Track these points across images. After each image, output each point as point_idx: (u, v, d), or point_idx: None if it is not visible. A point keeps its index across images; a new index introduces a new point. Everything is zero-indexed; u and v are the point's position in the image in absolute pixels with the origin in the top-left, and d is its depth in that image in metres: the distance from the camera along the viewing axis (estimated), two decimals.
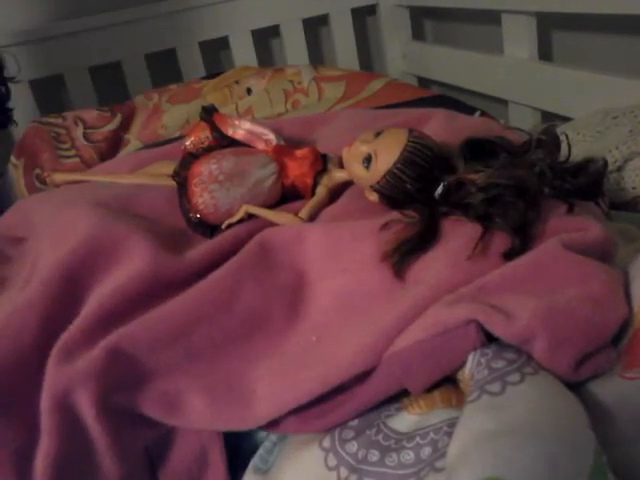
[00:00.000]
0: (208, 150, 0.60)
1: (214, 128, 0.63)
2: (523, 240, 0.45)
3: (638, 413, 0.37)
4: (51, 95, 1.26)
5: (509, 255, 0.45)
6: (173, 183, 0.60)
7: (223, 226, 0.57)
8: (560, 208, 0.48)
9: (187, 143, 0.66)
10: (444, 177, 0.50)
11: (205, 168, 0.57)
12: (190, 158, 0.59)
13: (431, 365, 0.41)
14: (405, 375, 0.41)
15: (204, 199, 0.56)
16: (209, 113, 0.64)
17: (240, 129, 0.63)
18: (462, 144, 0.51)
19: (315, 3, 1.35)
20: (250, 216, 0.57)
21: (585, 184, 0.49)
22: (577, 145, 0.71)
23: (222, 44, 1.33)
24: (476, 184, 0.47)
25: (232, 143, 0.63)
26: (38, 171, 0.94)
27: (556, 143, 0.51)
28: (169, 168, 0.64)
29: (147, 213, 0.58)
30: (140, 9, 1.22)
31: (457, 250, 0.46)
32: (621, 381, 0.39)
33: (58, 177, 0.75)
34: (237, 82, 1.08)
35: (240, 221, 0.57)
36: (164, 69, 1.32)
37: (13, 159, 0.95)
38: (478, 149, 0.51)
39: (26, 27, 1.17)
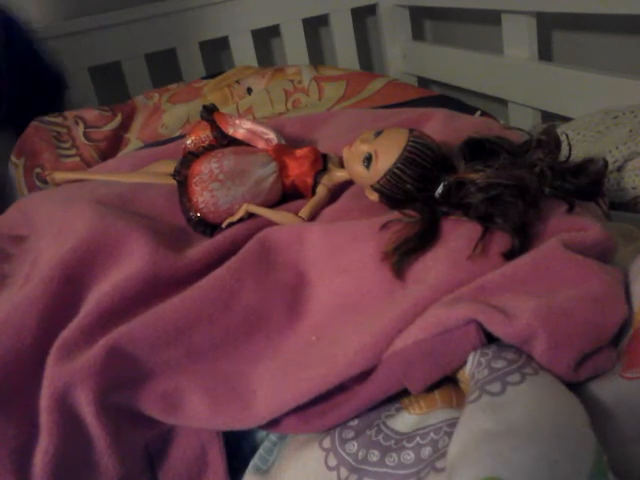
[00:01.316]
0: (209, 149, 0.60)
1: (215, 127, 0.63)
2: (523, 240, 0.45)
3: (638, 413, 0.37)
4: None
5: (509, 255, 0.45)
6: (173, 182, 0.60)
7: (223, 225, 0.57)
8: (560, 208, 0.48)
9: (188, 142, 0.66)
10: (444, 177, 0.50)
11: (206, 167, 0.57)
12: (190, 157, 0.59)
13: (431, 365, 0.40)
14: (405, 375, 0.41)
15: (204, 198, 0.56)
16: (210, 112, 0.64)
17: (241, 128, 0.63)
18: (462, 144, 0.51)
19: (315, 3, 1.35)
20: (250, 215, 0.57)
21: (585, 184, 0.49)
22: (577, 145, 0.71)
23: (222, 44, 1.33)
24: (476, 184, 0.47)
25: (233, 142, 0.63)
26: (39, 170, 0.94)
27: (556, 143, 0.51)
28: (170, 167, 0.64)
29: (147, 212, 0.58)
30: (140, 9, 1.22)
31: (457, 250, 0.46)
32: (621, 381, 0.39)
33: (59, 176, 0.75)
34: (238, 82, 1.08)
35: (240, 220, 0.57)
36: (164, 69, 1.32)
37: (13, 158, 0.95)
38: (478, 149, 0.51)
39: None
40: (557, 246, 0.43)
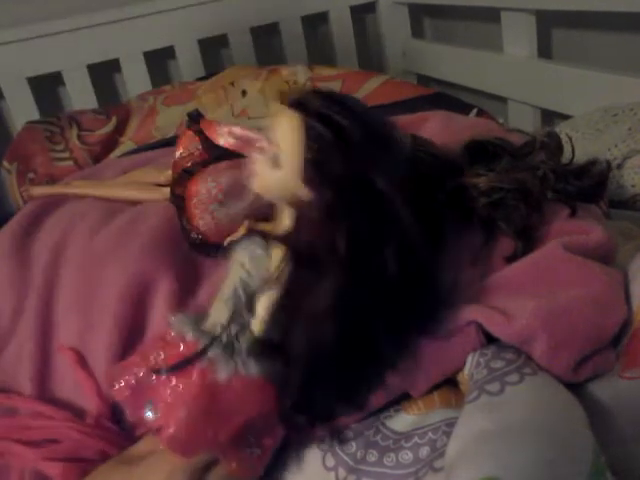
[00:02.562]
0: (203, 165, 0.58)
1: (203, 138, 0.60)
2: (526, 243, 0.45)
3: (636, 413, 0.36)
4: (49, 93, 1.26)
5: (512, 259, 0.45)
6: (161, 194, 0.59)
7: (225, 243, 0.55)
8: (563, 212, 0.48)
9: (177, 155, 0.62)
10: (447, 182, 0.49)
11: (203, 187, 0.55)
12: (185, 175, 0.57)
13: (432, 367, 0.40)
14: (406, 379, 0.41)
15: (205, 221, 0.54)
16: (195, 120, 0.60)
17: (231, 138, 0.60)
18: (463, 147, 0.51)
19: (315, 0, 1.35)
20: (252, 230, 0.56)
21: (588, 186, 0.49)
22: (577, 143, 0.71)
23: (221, 42, 1.33)
24: (479, 188, 0.47)
25: (225, 153, 0.60)
26: (32, 175, 0.92)
27: (558, 145, 0.51)
28: (155, 176, 0.63)
29: (150, 242, 0.54)
30: (138, 7, 1.22)
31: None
32: (620, 381, 0.39)
33: (36, 191, 0.71)
34: (232, 83, 1.08)
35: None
36: (163, 67, 1.31)
37: (6, 164, 0.94)
38: (479, 151, 0.50)
39: (25, 25, 1.17)
40: (557, 248, 0.43)
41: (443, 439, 0.38)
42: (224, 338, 0.39)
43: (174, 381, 0.39)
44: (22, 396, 0.48)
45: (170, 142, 0.81)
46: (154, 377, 0.39)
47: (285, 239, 0.39)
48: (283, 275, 0.39)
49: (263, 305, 0.39)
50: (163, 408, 0.38)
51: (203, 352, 0.39)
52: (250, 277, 0.40)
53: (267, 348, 0.38)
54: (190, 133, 0.61)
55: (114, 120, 1.02)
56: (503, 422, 0.34)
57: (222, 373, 0.38)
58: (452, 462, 0.34)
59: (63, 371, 0.48)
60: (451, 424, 0.38)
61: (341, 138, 0.37)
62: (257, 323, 0.39)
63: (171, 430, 0.37)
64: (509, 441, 0.32)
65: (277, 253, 0.40)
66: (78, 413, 0.47)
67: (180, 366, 0.39)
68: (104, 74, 1.27)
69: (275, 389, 0.39)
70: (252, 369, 0.38)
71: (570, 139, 0.53)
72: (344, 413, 0.40)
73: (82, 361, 0.48)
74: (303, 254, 0.38)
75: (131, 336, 0.47)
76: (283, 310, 0.39)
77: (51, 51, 1.18)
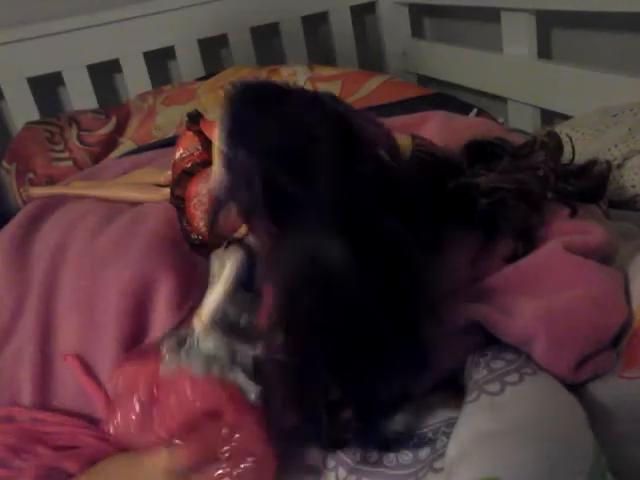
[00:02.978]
0: (202, 165, 0.58)
1: (203, 138, 0.60)
2: (526, 243, 0.45)
3: (636, 412, 0.36)
4: (49, 93, 1.26)
5: (512, 259, 0.45)
6: (160, 194, 0.59)
7: (225, 244, 0.55)
8: (563, 211, 0.48)
9: (176, 156, 0.60)
10: (447, 182, 0.49)
11: (202, 187, 0.55)
12: (185, 177, 0.57)
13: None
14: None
15: (205, 222, 0.55)
16: (195, 120, 0.59)
17: None
18: (463, 147, 0.51)
19: (315, 0, 1.34)
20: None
21: (588, 187, 0.49)
22: (577, 143, 0.71)
23: (221, 42, 1.33)
24: (479, 188, 0.47)
25: None
26: (31, 175, 0.92)
27: (558, 145, 0.51)
28: (155, 176, 0.63)
29: (148, 245, 0.54)
30: (138, 7, 1.22)
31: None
32: (620, 381, 0.39)
33: (35, 191, 0.71)
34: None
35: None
36: (163, 67, 1.31)
37: (5, 164, 0.94)
38: (480, 151, 0.50)
39: (24, 24, 1.17)
40: (557, 248, 0.43)
41: (443, 439, 0.38)
42: (183, 334, 0.41)
43: (138, 370, 0.41)
44: (26, 407, 0.48)
45: (170, 142, 0.81)
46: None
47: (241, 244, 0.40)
48: (231, 282, 0.40)
49: (205, 312, 0.41)
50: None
51: (160, 342, 0.40)
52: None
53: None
54: (190, 134, 0.60)
55: (114, 120, 1.02)
56: (503, 422, 0.34)
57: (168, 364, 0.40)
58: (452, 462, 0.34)
59: (64, 372, 0.48)
60: (451, 424, 0.38)
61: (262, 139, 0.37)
62: (202, 330, 0.41)
63: (117, 417, 0.40)
64: (509, 441, 0.32)
65: (231, 260, 0.41)
66: (80, 414, 0.47)
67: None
68: (104, 74, 1.27)
69: (241, 398, 0.39)
70: (196, 367, 0.40)
71: (570, 139, 0.53)
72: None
73: (85, 366, 0.48)
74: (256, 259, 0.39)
75: (133, 337, 0.47)
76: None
77: (51, 51, 1.18)
